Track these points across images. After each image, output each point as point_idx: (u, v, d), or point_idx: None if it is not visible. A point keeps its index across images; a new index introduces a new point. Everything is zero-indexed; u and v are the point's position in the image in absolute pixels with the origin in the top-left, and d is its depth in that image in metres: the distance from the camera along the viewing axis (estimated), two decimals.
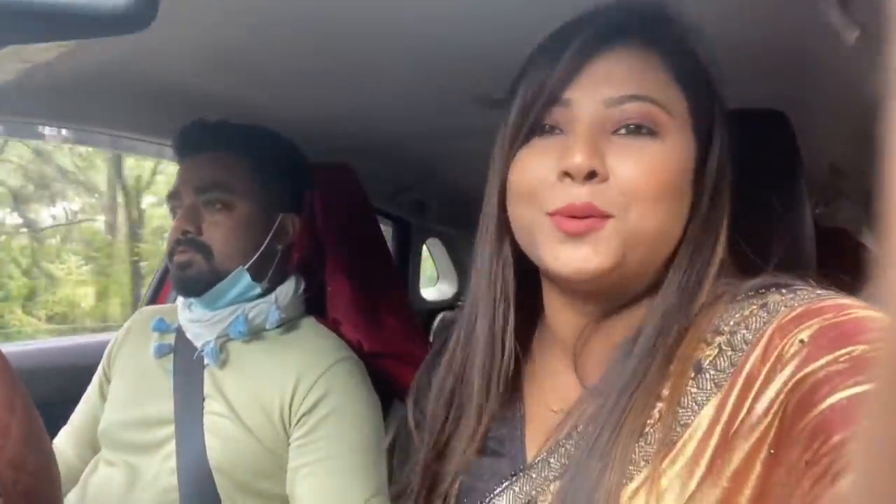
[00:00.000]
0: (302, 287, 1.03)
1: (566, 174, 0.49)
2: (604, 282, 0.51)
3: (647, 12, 0.54)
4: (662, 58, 0.52)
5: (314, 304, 1.06)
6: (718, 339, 0.49)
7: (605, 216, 0.49)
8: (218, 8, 0.65)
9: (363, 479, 0.87)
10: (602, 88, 0.51)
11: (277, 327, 0.96)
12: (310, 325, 1.01)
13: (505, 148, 0.55)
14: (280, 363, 0.93)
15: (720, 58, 0.57)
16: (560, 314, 0.58)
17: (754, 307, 0.49)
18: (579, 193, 0.49)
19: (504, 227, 0.57)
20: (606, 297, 0.54)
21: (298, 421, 0.89)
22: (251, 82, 0.88)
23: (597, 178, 0.49)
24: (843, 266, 0.59)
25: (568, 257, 0.50)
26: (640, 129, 0.50)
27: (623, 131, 0.51)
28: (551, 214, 0.50)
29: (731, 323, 0.49)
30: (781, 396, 0.43)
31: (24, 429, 0.48)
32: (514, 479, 0.54)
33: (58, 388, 1.19)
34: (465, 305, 0.63)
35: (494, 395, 0.58)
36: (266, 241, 0.95)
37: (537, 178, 0.52)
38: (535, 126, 0.53)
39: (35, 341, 1.49)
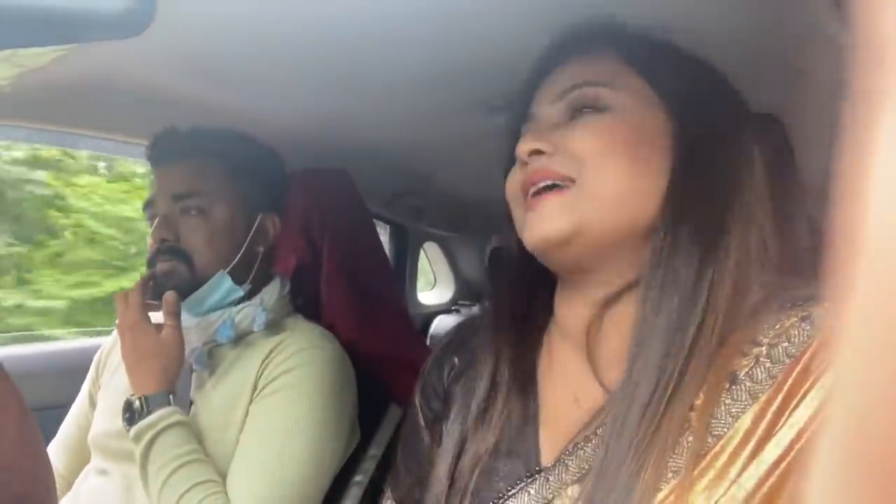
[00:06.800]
0: (287, 287, 1.02)
1: (522, 162, 0.56)
2: (573, 249, 0.54)
3: (600, 21, 0.60)
4: (617, 49, 0.57)
5: (310, 309, 1.06)
6: (756, 350, 0.48)
7: (565, 178, 0.53)
8: (214, 14, 0.65)
9: (300, 459, 0.84)
10: (551, 92, 0.58)
11: (264, 329, 0.96)
12: (296, 321, 1.00)
13: (506, 165, 0.61)
14: (262, 357, 0.92)
15: (714, 63, 0.57)
16: (567, 308, 0.59)
17: (794, 319, 0.47)
18: (533, 166, 0.55)
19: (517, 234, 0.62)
20: (589, 269, 0.56)
21: (259, 392, 0.88)
22: (246, 89, 0.88)
23: (544, 155, 0.55)
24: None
25: (533, 225, 0.55)
26: (585, 109, 0.56)
27: (575, 115, 0.56)
28: (523, 196, 0.56)
29: (771, 335, 0.48)
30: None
31: (18, 430, 0.47)
32: (530, 480, 0.53)
33: (53, 391, 1.18)
34: (483, 308, 0.66)
35: (517, 394, 0.59)
36: (245, 244, 0.95)
37: (515, 180, 0.58)
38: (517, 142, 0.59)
39: (30, 345, 1.48)
